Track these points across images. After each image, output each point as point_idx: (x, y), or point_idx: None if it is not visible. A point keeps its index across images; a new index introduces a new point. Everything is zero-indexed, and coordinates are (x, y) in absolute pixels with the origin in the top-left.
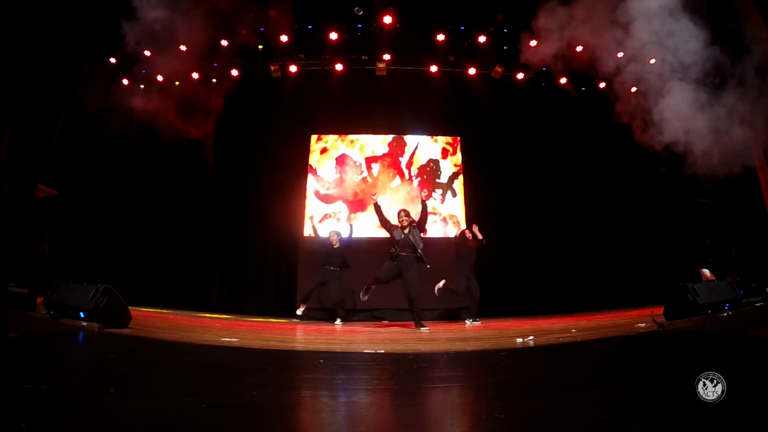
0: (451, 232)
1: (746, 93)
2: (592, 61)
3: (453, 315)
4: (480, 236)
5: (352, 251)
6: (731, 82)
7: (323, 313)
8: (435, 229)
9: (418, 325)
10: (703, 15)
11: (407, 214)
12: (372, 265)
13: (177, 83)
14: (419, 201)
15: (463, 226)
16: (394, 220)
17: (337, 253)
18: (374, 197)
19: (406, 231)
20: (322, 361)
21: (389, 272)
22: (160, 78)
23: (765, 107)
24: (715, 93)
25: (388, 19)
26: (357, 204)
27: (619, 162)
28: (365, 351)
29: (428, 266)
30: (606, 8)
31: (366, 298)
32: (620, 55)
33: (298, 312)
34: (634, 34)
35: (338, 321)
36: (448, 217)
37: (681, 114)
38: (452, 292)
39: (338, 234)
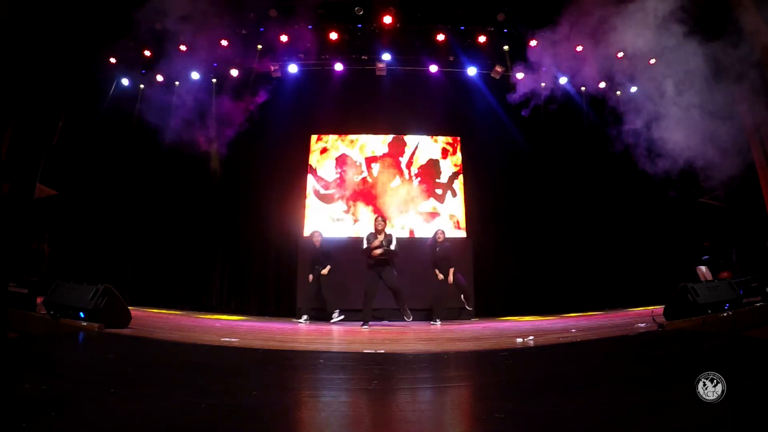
0: (450, 232)
1: (745, 89)
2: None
3: (452, 315)
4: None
5: (354, 251)
6: (729, 80)
7: (323, 313)
8: (434, 229)
9: (406, 315)
10: (695, 15)
11: (384, 220)
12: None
13: (177, 83)
14: (420, 201)
15: (463, 226)
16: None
17: (321, 252)
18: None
19: (380, 236)
20: (322, 361)
21: (372, 282)
22: (160, 78)
23: (763, 101)
24: (713, 93)
25: (388, 19)
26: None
27: (619, 162)
28: (365, 351)
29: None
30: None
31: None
32: (619, 55)
33: (302, 321)
34: (630, 41)
35: (336, 315)
36: (448, 217)
37: (680, 116)
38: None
39: (320, 234)
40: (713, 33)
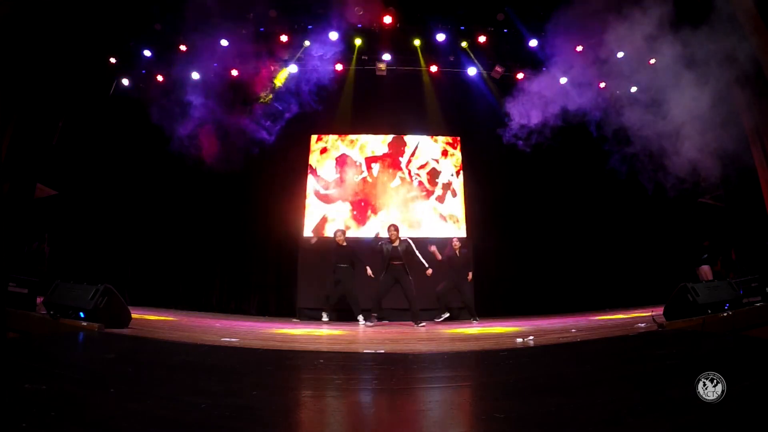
0: (450, 232)
1: (744, 87)
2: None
3: (453, 315)
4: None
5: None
6: (728, 79)
7: (341, 314)
8: (434, 229)
9: (417, 323)
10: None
11: (396, 228)
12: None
13: (177, 83)
14: (420, 201)
15: (463, 226)
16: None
17: (346, 251)
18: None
19: (395, 244)
20: (322, 361)
21: (386, 284)
22: (160, 78)
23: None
24: (712, 92)
25: (388, 19)
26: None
27: (619, 162)
28: (365, 351)
29: (429, 270)
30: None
31: (373, 323)
32: (620, 55)
33: (324, 318)
34: (628, 41)
35: (361, 319)
36: (448, 217)
37: (679, 116)
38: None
39: (344, 232)
40: (703, 25)
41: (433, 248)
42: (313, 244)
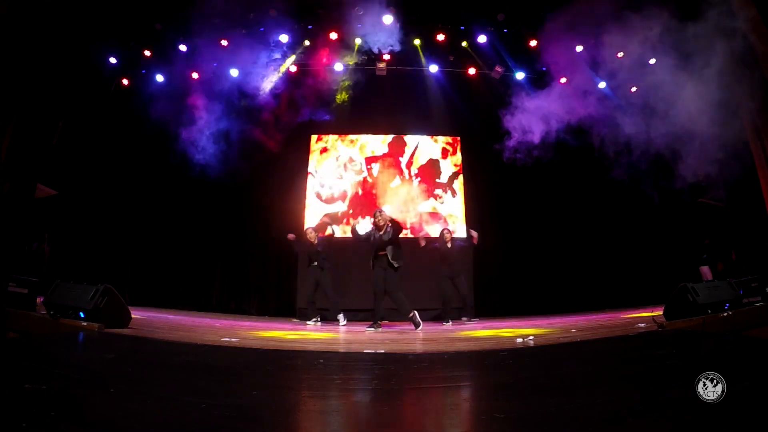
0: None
1: (743, 85)
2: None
3: (451, 316)
4: (474, 240)
5: (350, 250)
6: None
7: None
8: (434, 229)
9: (416, 324)
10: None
11: (382, 213)
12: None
13: (177, 83)
14: (420, 201)
15: (463, 226)
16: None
17: (315, 251)
18: (355, 224)
19: (381, 232)
20: (322, 361)
21: (378, 283)
22: (160, 78)
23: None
24: (713, 90)
25: (388, 19)
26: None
27: (619, 161)
28: (365, 351)
29: (396, 266)
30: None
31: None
32: (620, 54)
33: (310, 323)
34: (627, 41)
35: (341, 318)
36: (447, 217)
37: (679, 115)
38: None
39: (314, 231)
40: (699, 20)
41: (421, 236)
42: (291, 240)
